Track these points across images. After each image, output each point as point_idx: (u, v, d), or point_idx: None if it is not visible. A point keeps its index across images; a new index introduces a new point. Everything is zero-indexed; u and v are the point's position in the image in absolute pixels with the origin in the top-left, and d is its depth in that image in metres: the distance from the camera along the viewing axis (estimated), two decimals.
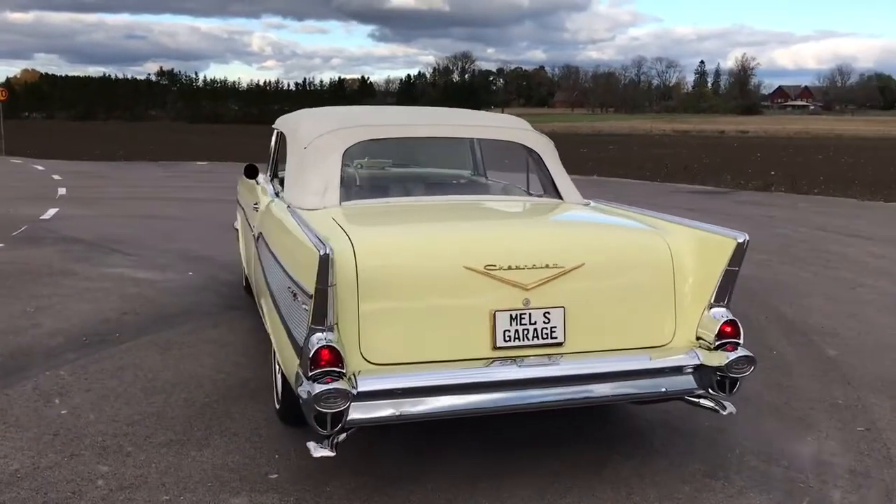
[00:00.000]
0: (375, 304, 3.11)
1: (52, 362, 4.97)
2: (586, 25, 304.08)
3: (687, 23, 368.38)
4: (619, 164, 24.00)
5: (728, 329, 3.35)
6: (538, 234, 3.67)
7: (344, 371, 2.97)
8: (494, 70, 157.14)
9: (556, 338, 3.29)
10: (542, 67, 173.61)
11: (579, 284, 3.30)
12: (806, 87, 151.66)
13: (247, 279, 6.41)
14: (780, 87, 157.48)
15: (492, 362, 3.22)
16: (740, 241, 3.27)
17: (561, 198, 4.36)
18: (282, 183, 4.91)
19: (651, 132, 54.81)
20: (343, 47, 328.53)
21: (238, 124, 68.29)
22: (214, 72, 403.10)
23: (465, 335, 3.24)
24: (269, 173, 5.52)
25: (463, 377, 3.12)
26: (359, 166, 4.83)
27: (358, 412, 2.99)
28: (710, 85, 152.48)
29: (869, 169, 22.32)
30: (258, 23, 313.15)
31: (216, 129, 59.39)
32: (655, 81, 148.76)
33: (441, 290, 3.22)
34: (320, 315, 2.96)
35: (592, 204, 4.37)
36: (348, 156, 4.22)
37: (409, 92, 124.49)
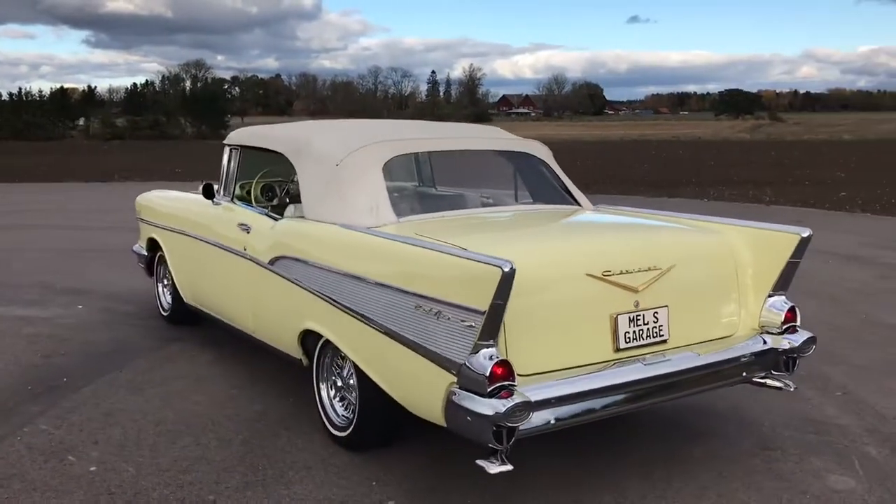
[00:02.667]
0: (520, 317, 3.16)
1: (17, 419, 4.37)
2: (318, 34, 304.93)
3: (415, 34, 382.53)
4: None
5: (790, 315, 3.78)
6: (633, 239, 3.89)
7: (516, 384, 3.01)
8: (229, 78, 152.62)
9: (662, 335, 3.55)
10: (278, 75, 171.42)
11: (674, 284, 3.58)
12: (527, 96, 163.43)
13: (173, 305, 6.00)
14: (504, 96, 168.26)
15: (614, 364, 3.39)
16: (804, 235, 3.72)
17: (578, 204, 4.61)
18: (255, 201, 4.83)
19: None
20: (54, 54, 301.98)
21: None
22: None
23: (592, 339, 3.39)
24: (225, 192, 5.22)
25: (610, 379, 3.27)
26: None
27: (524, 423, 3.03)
28: (442, 94, 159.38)
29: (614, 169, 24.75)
30: None
31: None
32: (392, 90, 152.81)
33: (570, 298, 3.34)
34: (492, 330, 2.97)
35: (602, 207, 4.67)
36: (386, 171, 4.16)
37: (137, 101, 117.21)
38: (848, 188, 17.92)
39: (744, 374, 3.73)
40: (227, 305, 5.04)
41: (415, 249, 3.36)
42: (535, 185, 4.68)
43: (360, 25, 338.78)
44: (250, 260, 4.56)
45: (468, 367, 3.01)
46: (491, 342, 3.00)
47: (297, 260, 4.09)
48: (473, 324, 2.98)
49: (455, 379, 3.08)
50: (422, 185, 4.45)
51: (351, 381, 3.91)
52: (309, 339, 4.14)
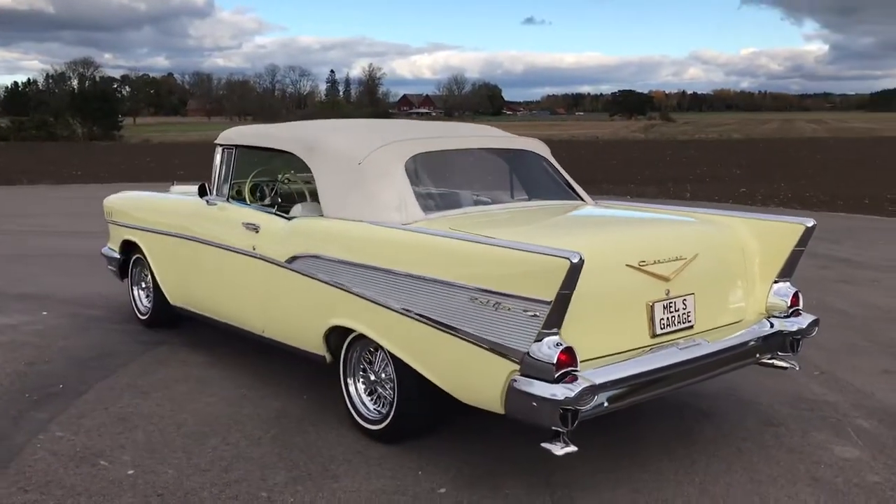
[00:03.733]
0: (572, 306, 3.31)
1: (29, 426, 4.25)
2: (210, 32, 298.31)
3: (312, 32, 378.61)
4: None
5: (794, 300, 4.09)
6: (660, 231, 4.10)
7: (579, 369, 3.17)
8: (119, 77, 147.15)
9: (690, 321, 3.78)
10: (170, 74, 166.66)
11: (697, 272, 3.82)
12: (427, 96, 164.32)
13: (153, 308, 5.92)
14: (405, 96, 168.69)
15: (650, 349, 3.61)
16: (809, 225, 4.03)
17: (581, 199, 4.82)
18: (261, 199, 4.93)
19: None
20: None
21: None
22: None
23: (632, 326, 3.59)
24: (219, 192, 5.18)
25: (656, 362, 3.48)
26: None
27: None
28: (341, 93, 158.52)
29: None
30: None
31: None
32: (290, 90, 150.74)
33: (613, 287, 3.53)
34: (557, 319, 3.13)
35: (601, 202, 4.90)
36: (407, 169, 4.25)
37: (19, 101, 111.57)
38: (746, 184, 18.94)
39: (756, 355, 4.01)
40: (228, 306, 5.01)
41: (469, 244, 3.47)
42: (541, 181, 4.86)
43: (254, 23, 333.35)
44: (261, 259, 4.57)
45: (532, 355, 3.16)
46: (555, 330, 3.15)
47: (323, 258, 4.13)
48: (538, 313, 3.12)
49: (517, 367, 3.21)
50: (437, 183, 4.54)
51: (383, 375, 4.00)
52: (334, 335, 4.19)
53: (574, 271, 3.03)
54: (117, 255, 6.32)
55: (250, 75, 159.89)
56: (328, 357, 4.29)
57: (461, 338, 3.41)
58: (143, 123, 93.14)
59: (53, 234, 11.21)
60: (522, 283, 3.17)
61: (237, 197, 5.14)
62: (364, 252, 3.92)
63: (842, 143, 41.98)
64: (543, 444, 3.22)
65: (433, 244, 3.66)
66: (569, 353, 3.15)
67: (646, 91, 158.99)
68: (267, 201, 5.02)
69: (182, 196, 5.89)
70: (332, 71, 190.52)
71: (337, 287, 4.04)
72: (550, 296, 3.08)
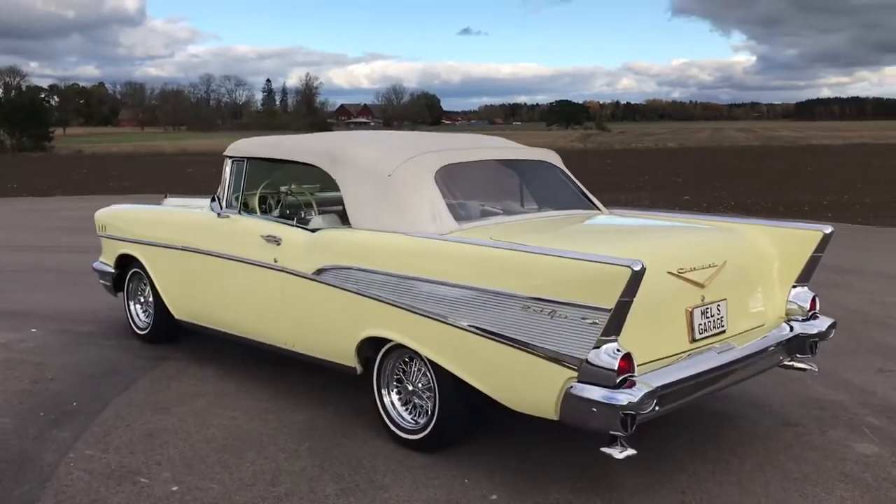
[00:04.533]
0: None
1: (54, 445, 4.16)
2: (142, 41, 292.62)
3: (246, 41, 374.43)
4: None
5: (812, 304, 4.26)
6: (692, 238, 4.21)
7: (636, 374, 3.27)
8: (47, 87, 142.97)
9: (722, 326, 3.92)
10: (101, 84, 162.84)
11: (728, 279, 3.96)
12: (366, 106, 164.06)
13: (154, 323, 5.84)
14: (342, 105, 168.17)
15: (689, 354, 3.72)
16: (827, 232, 4.20)
17: (598, 208, 4.93)
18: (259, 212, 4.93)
19: None
20: None
21: None
22: None
23: (674, 332, 3.71)
24: (229, 205, 5.15)
25: (702, 366, 3.61)
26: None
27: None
28: (278, 103, 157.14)
29: None
30: None
31: None
32: (226, 99, 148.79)
33: (657, 294, 3.63)
34: (616, 326, 3.22)
35: (615, 211, 5.03)
36: (437, 180, 4.30)
37: None
38: (688, 192, 19.43)
39: (780, 358, 4.16)
40: (244, 319, 4.98)
41: (522, 254, 3.53)
42: (559, 190, 4.95)
43: (187, 32, 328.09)
44: (284, 271, 4.56)
45: (591, 362, 3.24)
46: (614, 337, 3.24)
47: (356, 269, 4.15)
48: (597, 320, 3.21)
49: (574, 374, 3.29)
50: (464, 194, 4.59)
51: (420, 385, 4.03)
52: (366, 346, 4.21)
53: (636, 279, 3.13)
54: (111, 270, 6.21)
55: (184, 85, 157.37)
56: (359, 368, 4.30)
57: (513, 346, 3.46)
58: (73, 134, 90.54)
59: (20, 250, 10.88)
60: (580, 290, 3.25)
61: (246, 209, 5.12)
62: (405, 263, 3.95)
63: (773, 151, 43.33)
64: (603, 449, 3.30)
65: (482, 254, 3.70)
66: (628, 359, 3.24)
67: (581, 101, 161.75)
68: (277, 213, 5.02)
69: (186, 209, 5.83)
70: (268, 80, 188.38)
71: (372, 298, 4.06)
72: (610, 303, 3.16)
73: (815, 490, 3.66)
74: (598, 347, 3.24)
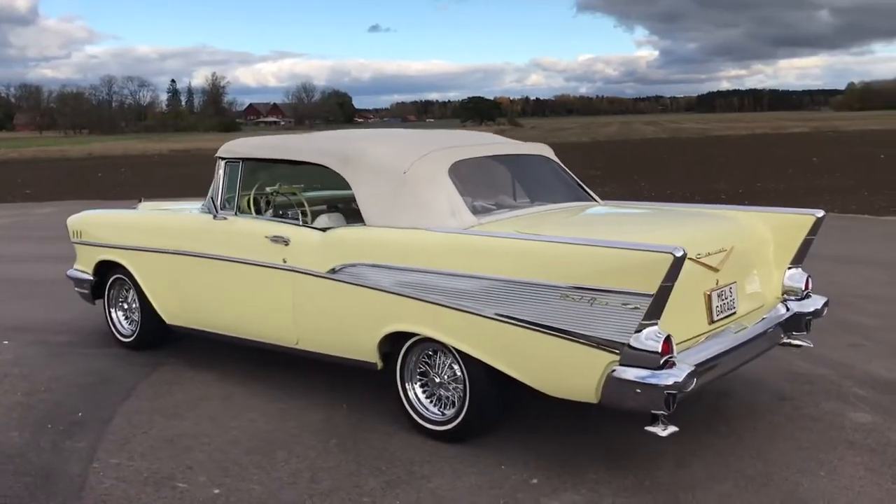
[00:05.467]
0: None
1: (75, 455, 4.08)
2: (35, 41, 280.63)
3: (148, 41, 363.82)
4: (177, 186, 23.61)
5: (806, 283, 4.54)
6: (702, 225, 4.41)
7: (675, 355, 3.44)
8: None
9: (734, 308, 4.14)
10: None
11: (736, 263, 4.18)
12: (275, 105, 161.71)
13: (141, 329, 5.75)
14: (251, 105, 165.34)
15: (708, 335, 3.93)
16: (819, 216, 4.47)
17: (595, 199, 5.10)
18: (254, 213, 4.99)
19: (147, 152, 53.48)
20: None
21: None
22: None
23: (695, 314, 3.91)
24: (224, 207, 5.12)
25: (726, 345, 3.84)
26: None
27: None
28: (184, 104, 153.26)
29: None
30: None
31: None
32: (129, 101, 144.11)
33: (683, 279, 3.80)
34: (657, 311, 3.38)
35: (611, 202, 5.22)
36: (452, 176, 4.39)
37: None
38: (607, 184, 19.89)
39: (781, 335, 4.42)
40: (250, 320, 4.95)
41: (559, 245, 3.65)
42: (558, 183, 5.10)
43: (83, 32, 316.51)
44: (294, 271, 4.56)
45: (633, 345, 3.39)
46: (654, 321, 3.40)
47: (377, 266, 4.19)
48: (639, 306, 3.36)
49: (616, 358, 3.44)
50: (475, 189, 4.67)
51: (446, 377, 4.12)
52: (388, 342, 4.26)
53: (678, 264, 3.29)
54: (90, 277, 6.05)
55: (84, 87, 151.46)
56: (380, 364, 4.35)
57: (551, 334, 3.58)
58: None
59: None
60: (623, 278, 3.39)
61: (240, 211, 5.09)
62: (431, 258, 4.01)
63: (681, 143, 44.74)
64: (648, 428, 3.47)
65: (517, 247, 3.80)
66: (668, 341, 3.41)
67: (492, 97, 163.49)
68: (270, 213, 5.02)
69: (171, 212, 5.75)
70: (172, 80, 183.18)
71: (396, 294, 4.11)
72: (652, 289, 3.32)
73: (828, 457, 3.91)
74: (639, 332, 3.39)
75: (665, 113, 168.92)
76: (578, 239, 3.66)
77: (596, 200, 5.12)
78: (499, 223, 4.24)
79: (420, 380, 4.28)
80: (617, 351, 3.44)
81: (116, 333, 5.99)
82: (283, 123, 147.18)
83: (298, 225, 4.74)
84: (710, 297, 3.97)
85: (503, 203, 4.70)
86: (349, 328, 4.41)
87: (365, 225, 4.42)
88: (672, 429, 3.46)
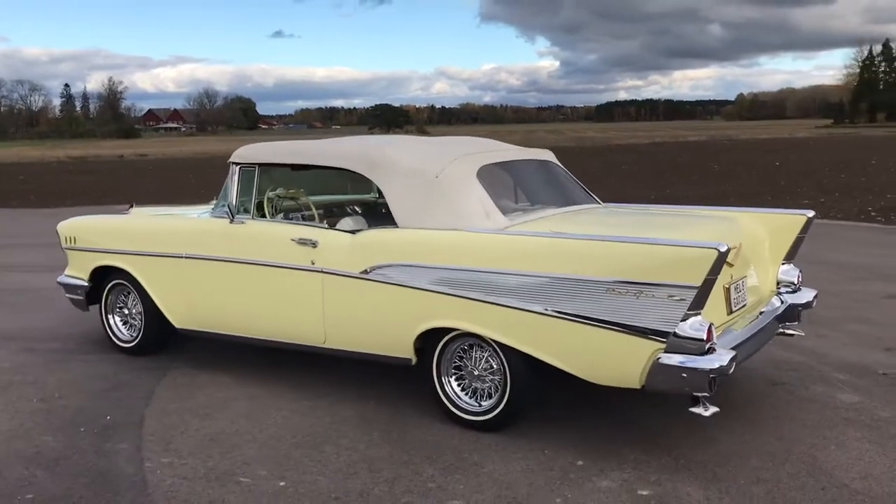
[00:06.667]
0: None
1: (120, 457, 4.13)
2: None
3: (38, 44, 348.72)
4: (68, 193, 23.03)
5: (798, 278, 4.98)
6: (713, 223, 4.76)
7: (716, 342, 3.78)
8: None
9: (745, 301, 4.54)
10: None
11: (743, 259, 4.56)
12: (176, 110, 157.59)
13: (143, 335, 5.76)
14: (150, 111, 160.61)
15: (728, 325, 4.30)
16: (810, 215, 4.91)
17: (598, 202, 5.43)
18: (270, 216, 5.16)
19: (44, 159, 51.41)
20: None
21: None
22: None
23: (718, 306, 4.26)
24: (242, 211, 5.21)
25: (749, 332, 4.21)
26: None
27: None
28: (79, 109, 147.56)
29: None
30: None
31: None
32: (20, 105, 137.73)
33: None
34: (700, 301, 3.71)
35: (611, 205, 5.56)
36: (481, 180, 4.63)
37: None
38: None
39: (779, 325, 4.84)
40: (271, 321, 5.05)
41: (606, 243, 3.93)
42: (567, 186, 5.40)
43: None
44: (324, 273, 4.70)
45: (679, 333, 3.71)
46: (698, 311, 3.73)
47: (414, 266, 4.39)
48: (684, 297, 3.68)
49: (661, 345, 3.75)
50: (499, 192, 4.89)
51: (483, 369, 4.35)
52: (422, 338, 4.46)
53: (721, 259, 3.62)
54: (85, 283, 6.00)
55: None
56: (414, 359, 4.54)
57: (595, 325, 3.87)
58: None
59: None
60: (668, 271, 3.70)
61: (257, 216, 5.19)
62: (471, 257, 4.23)
63: (586, 152, 45.76)
64: (692, 409, 3.80)
65: (559, 245, 4.07)
66: (710, 330, 3.74)
67: (399, 105, 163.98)
68: (280, 216, 5.16)
69: (178, 217, 5.79)
70: (66, 85, 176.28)
71: (434, 292, 4.32)
72: (698, 281, 3.64)
73: (832, 433, 4.33)
74: (684, 321, 3.71)
75: (566, 122, 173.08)
76: (622, 237, 3.96)
77: (598, 203, 5.45)
78: (530, 224, 4.50)
79: (455, 373, 4.49)
80: (663, 339, 3.74)
81: (115, 339, 5.96)
82: (184, 129, 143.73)
83: (324, 228, 4.88)
84: (728, 290, 4.33)
85: (525, 205, 4.97)
86: (385, 326, 4.58)
87: (397, 227, 4.61)
88: (714, 409, 3.79)
